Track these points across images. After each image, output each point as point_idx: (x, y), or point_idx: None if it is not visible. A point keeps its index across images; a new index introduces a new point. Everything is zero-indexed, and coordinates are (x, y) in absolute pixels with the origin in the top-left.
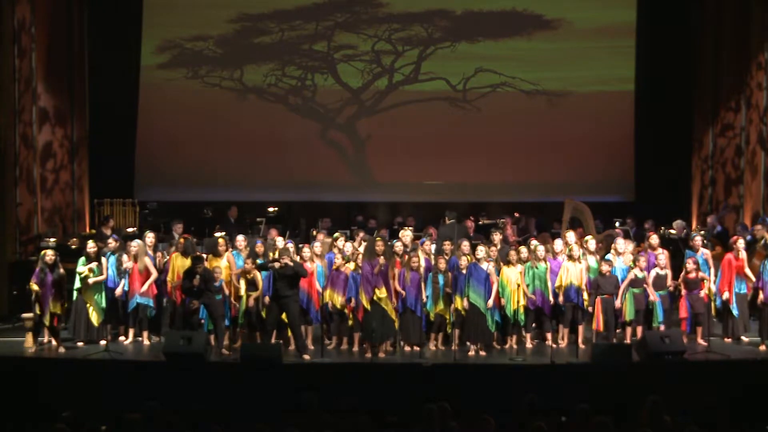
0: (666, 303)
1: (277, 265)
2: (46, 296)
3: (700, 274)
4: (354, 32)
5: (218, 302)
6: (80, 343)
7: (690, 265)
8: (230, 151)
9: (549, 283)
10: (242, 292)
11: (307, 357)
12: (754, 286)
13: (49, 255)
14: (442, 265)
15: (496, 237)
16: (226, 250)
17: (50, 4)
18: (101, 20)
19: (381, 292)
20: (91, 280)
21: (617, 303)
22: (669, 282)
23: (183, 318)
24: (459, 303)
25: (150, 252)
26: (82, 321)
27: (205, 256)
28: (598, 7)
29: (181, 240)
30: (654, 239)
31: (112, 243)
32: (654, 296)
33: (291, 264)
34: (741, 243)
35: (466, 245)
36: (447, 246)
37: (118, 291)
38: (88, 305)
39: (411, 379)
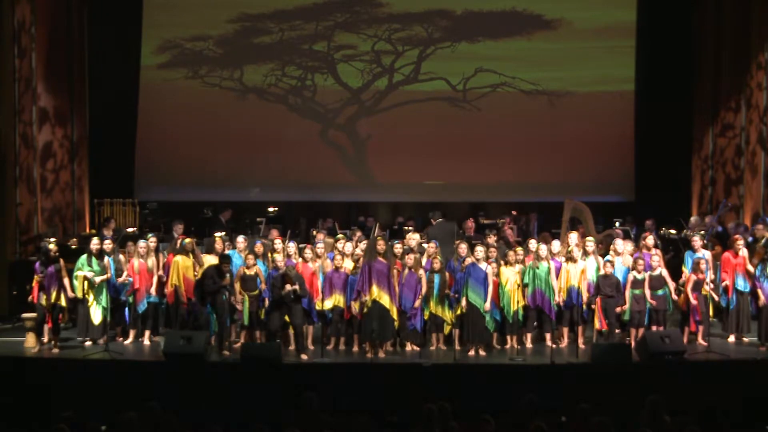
0: (664, 304)
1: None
2: (48, 288)
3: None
4: (354, 32)
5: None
6: (88, 343)
7: (701, 265)
8: (230, 151)
9: (553, 283)
10: (241, 292)
11: (304, 357)
12: (752, 288)
13: (52, 248)
14: (437, 265)
15: (490, 239)
16: (224, 249)
17: (50, 4)
18: (101, 20)
19: (379, 292)
20: (97, 279)
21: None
22: (669, 282)
23: (193, 317)
24: (458, 306)
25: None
26: (89, 319)
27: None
28: (598, 7)
29: (183, 240)
30: (650, 240)
31: (108, 245)
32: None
33: (293, 289)
34: (741, 242)
35: (463, 247)
36: (431, 247)
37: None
38: (90, 304)
39: (411, 379)
